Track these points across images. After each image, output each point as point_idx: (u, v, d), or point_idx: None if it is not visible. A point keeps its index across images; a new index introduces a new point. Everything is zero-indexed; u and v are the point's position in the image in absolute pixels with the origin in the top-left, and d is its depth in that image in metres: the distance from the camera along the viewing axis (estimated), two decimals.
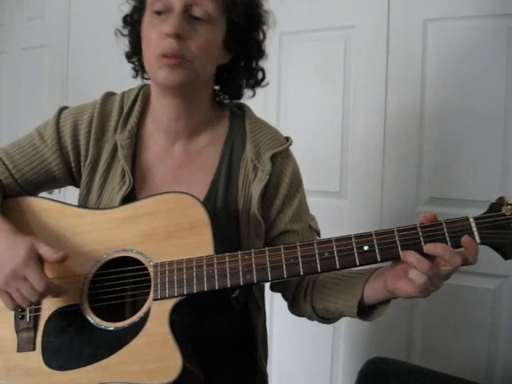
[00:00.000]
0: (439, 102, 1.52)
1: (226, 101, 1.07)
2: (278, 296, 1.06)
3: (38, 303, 0.89)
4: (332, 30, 1.67)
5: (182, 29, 0.88)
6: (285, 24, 1.71)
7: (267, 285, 1.03)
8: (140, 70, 1.05)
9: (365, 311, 0.90)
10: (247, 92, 1.06)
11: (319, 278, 0.98)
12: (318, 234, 1.04)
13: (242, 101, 1.08)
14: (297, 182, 1.02)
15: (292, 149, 1.05)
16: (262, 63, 1.04)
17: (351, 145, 1.65)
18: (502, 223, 0.77)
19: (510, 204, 0.77)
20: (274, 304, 1.67)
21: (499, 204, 0.78)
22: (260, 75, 1.04)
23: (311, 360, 1.73)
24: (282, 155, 1.00)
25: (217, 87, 1.05)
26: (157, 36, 0.90)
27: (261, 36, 1.01)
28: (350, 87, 1.64)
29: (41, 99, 2.35)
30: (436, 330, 1.54)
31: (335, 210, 1.66)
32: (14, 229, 0.89)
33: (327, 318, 0.98)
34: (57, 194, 1.07)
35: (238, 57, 1.00)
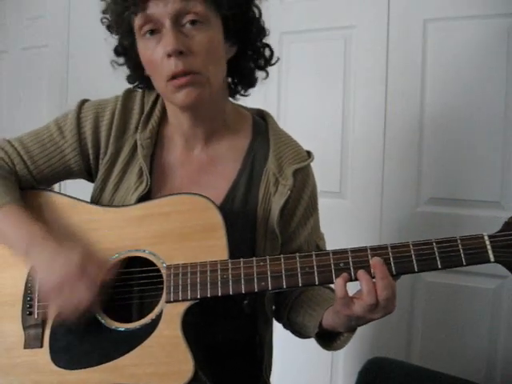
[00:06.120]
0: (439, 101, 1.52)
1: (242, 91, 1.02)
2: None
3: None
4: (332, 29, 1.67)
5: (179, 43, 0.83)
6: (285, 24, 1.71)
7: None
8: (149, 87, 0.99)
9: (328, 337, 0.90)
10: (260, 74, 1.01)
11: (305, 292, 0.98)
12: None
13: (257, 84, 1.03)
14: (314, 201, 1.02)
15: None
16: (266, 39, 0.98)
17: (351, 145, 1.65)
18: None
19: None
20: None
21: None
22: (268, 52, 0.99)
23: (311, 360, 1.73)
24: (303, 172, 0.99)
25: (229, 79, 1.00)
26: (158, 59, 0.85)
27: (256, 14, 0.95)
28: (350, 87, 1.64)
29: (41, 99, 2.34)
30: (436, 330, 1.53)
31: (335, 210, 1.65)
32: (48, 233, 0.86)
33: (297, 331, 0.99)
34: (56, 188, 1.05)
35: (243, 44, 0.95)
